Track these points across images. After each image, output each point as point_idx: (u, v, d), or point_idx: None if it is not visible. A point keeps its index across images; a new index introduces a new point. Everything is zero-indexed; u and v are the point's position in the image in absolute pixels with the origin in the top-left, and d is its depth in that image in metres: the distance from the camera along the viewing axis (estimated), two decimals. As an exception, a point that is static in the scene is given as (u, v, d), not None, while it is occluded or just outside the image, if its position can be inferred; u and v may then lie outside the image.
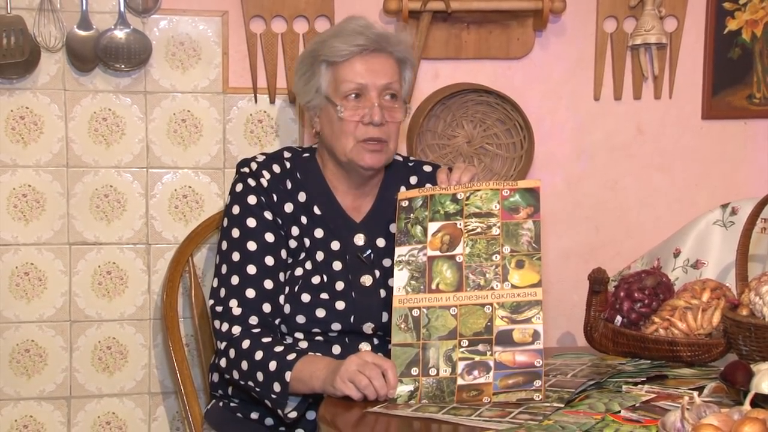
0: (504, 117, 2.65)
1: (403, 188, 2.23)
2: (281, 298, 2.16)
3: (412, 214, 2.07)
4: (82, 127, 2.52)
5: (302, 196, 2.21)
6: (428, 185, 2.20)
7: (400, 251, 2.04)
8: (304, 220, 2.20)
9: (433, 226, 2.05)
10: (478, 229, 2.02)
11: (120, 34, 2.47)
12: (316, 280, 2.17)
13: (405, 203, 2.09)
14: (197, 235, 2.51)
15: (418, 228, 2.06)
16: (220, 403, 2.28)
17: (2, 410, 2.55)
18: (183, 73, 2.55)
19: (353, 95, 2.14)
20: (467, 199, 2.05)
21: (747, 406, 1.59)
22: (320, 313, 2.15)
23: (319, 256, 2.19)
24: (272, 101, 2.60)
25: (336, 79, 2.15)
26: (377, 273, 2.20)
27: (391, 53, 2.17)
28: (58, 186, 2.52)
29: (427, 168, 2.32)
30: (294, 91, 2.33)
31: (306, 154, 2.27)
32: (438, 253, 2.02)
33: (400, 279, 2.02)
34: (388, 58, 2.17)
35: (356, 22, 2.19)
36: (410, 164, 2.33)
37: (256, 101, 2.60)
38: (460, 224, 2.04)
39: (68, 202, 2.53)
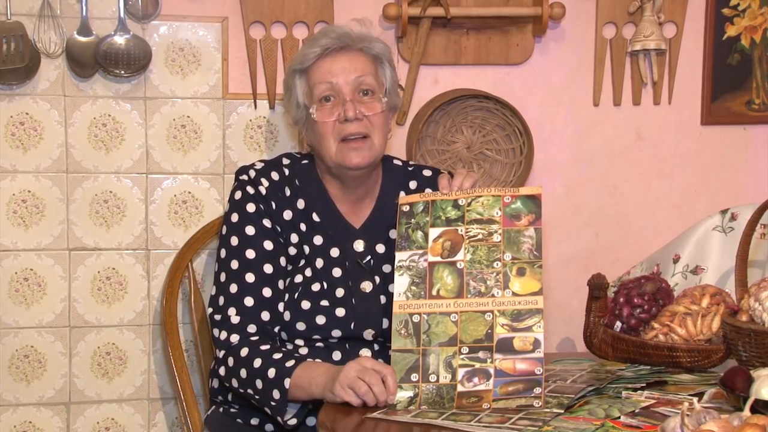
0: (503, 123, 2.65)
1: (402, 193, 2.23)
2: (281, 306, 2.16)
3: (413, 219, 2.08)
4: (82, 133, 2.52)
5: (301, 203, 2.21)
6: (428, 190, 2.20)
7: (400, 256, 2.05)
8: (303, 227, 2.20)
9: (434, 232, 2.05)
10: (480, 236, 2.02)
11: (120, 40, 2.47)
12: (316, 287, 2.17)
13: (406, 208, 2.09)
14: (197, 241, 2.51)
15: (419, 233, 2.06)
16: (220, 409, 2.28)
17: (1, 416, 2.55)
18: (183, 79, 2.56)
19: (326, 98, 2.15)
20: (469, 205, 2.06)
21: (747, 412, 1.59)
22: (320, 320, 2.15)
23: (319, 263, 2.19)
24: (272, 107, 2.60)
25: (309, 85, 2.18)
26: (377, 279, 2.20)
27: (361, 50, 2.18)
28: (57, 192, 2.53)
29: (427, 172, 2.32)
30: (285, 110, 2.36)
31: (305, 161, 2.27)
32: (439, 259, 2.02)
33: (400, 284, 2.02)
34: (357, 54, 2.18)
35: (327, 29, 2.23)
36: (409, 168, 2.33)
37: (255, 107, 2.60)
38: (461, 230, 2.04)
39: (68, 208, 2.53)
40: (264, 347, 2.06)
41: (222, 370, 2.11)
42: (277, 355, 2.03)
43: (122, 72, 2.48)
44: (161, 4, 2.51)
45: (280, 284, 2.17)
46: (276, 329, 2.15)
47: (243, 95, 2.59)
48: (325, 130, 2.15)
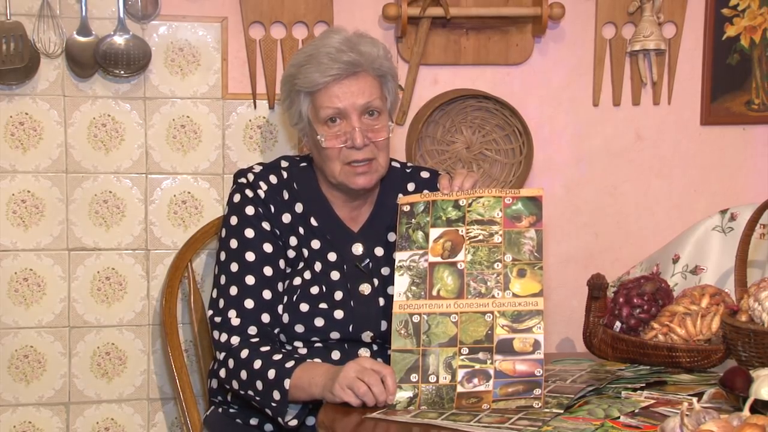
0: (503, 123, 2.66)
1: (400, 195, 2.22)
2: (280, 308, 2.16)
3: (413, 219, 2.07)
4: (82, 133, 2.52)
5: (299, 207, 2.21)
6: (425, 191, 2.19)
7: (401, 256, 2.04)
8: (301, 230, 2.20)
9: (434, 232, 2.05)
10: (480, 237, 2.02)
11: (119, 40, 2.47)
12: (314, 290, 2.16)
13: (407, 208, 2.09)
14: (196, 241, 2.51)
15: (420, 233, 2.06)
16: (219, 409, 2.28)
17: (1, 416, 2.55)
18: (182, 79, 2.56)
19: (333, 120, 2.13)
20: (469, 206, 2.05)
21: (746, 412, 1.59)
22: (319, 322, 2.15)
23: (317, 266, 2.18)
24: (271, 107, 2.60)
25: (315, 106, 2.14)
26: (376, 282, 2.20)
27: (368, 71, 2.14)
28: (57, 192, 2.52)
29: (425, 174, 2.31)
30: (281, 110, 2.32)
31: (303, 164, 2.26)
32: (439, 259, 2.02)
33: (400, 284, 2.02)
34: (365, 77, 2.13)
35: (330, 41, 2.14)
36: (408, 170, 2.32)
37: (255, 107, 2.60)
38: (461, 231, 2.04)
39: (67, 208, 2.53)
40: (264, 349, 2.06)
41: (222, 372, 2.10)
42: (277, 357, 2.03)
43: (122, 72, 2.48)
44: (161, 4, 2.51)
45: (280, 287, 2.17)
46: (276, 331, 2.15)
47: (242, 95, 2.59)
48: (332, 154, 2.13)
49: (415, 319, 1.98)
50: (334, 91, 2.11)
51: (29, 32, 2.43)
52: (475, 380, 1.91)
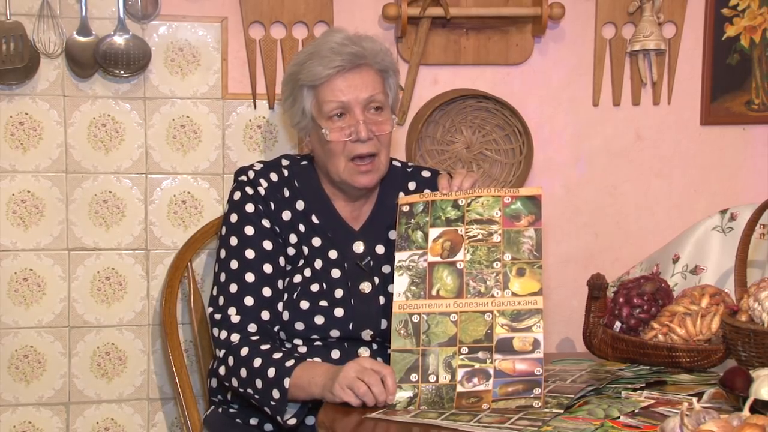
0: (503, 123, 2.66)
1: (401, 194, 2.23)
2: (280, 305, 2.16)
3: (413, 219, 2.08)
4: (82, 133, 2.52)
5: (300, 205, 2.21)
6: (427, 191, 2.20)
7: (400, 256, 2.05)
8: (302, 228, 2.20)
9: (434, 232, 2.05)
10: (479, 236, 2.02)
11: (119, 40, 2.47)
12: (314, 287, 2.17)
13: (406, 208, 2.09)
14: (196, 241, 2.51)
15: (419, 233, 2.06)
16: (219, 409, 2.28)
17: (1, 416, 2.55)
18: (182, 79, 2.56)
19: (337, 114, 2.14)
20: (468, 205, 2.06)
21: (746, 412, 1.59)
22: (319, 320, 2.15)
23: (318, 263, 2.19)
24: (271, 107, 2.60)
25: (318, 101, 2.15)
26: (376, 280, 2.20)
27: (371, 65, 2.16)
28: (57, 192, 2.52)
29: (426, 173, 2.32)
30: (283, 111, 2.33)
31: (304, 162, 2.27)
32: (439, 259, 2.02)
33: (400, 284, 2.02)
34: (368, 71, 2.15)
35: (332, 38, 2.16)
36: (408, 170, 2.33)
37: (255, 107, 2.60)
38: (461, 230, 2.04)
39: (67, 208, 2.53)
40: (264, 347, 2.06)
41: (222, 370, 2.11)
42: (277, 355, 2.03)
43: (122, 72, 2.48)
44: (161, 4, 2.51)
45: (280, 284, 2.17)
46: (276, 329, 2.15)
47: (242, 95, 2.59)
48: (336, 149, 2.14)
49: (415, 318, 1.98)
50: (337, 84, 2.12)
51: (29, 32, 2.44)
52: (475, 379, 1.91)
